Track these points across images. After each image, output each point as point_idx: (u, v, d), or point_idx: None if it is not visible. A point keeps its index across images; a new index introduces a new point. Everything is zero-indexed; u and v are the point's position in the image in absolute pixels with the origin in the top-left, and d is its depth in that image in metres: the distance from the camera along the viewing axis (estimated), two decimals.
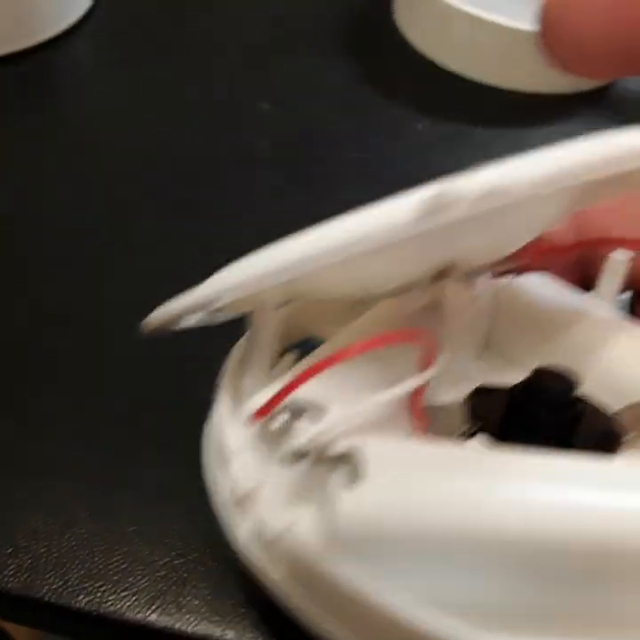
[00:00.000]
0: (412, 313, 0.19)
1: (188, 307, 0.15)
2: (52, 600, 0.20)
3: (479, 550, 0.14)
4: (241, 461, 0.16)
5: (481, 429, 0.17)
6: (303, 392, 0.16)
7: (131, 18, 0.40)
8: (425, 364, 0.17)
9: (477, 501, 0.14)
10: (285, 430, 0.15)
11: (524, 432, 0.17)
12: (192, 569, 0.20)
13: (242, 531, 0.15)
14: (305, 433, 0.15)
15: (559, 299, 0.21)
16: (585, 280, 0.21)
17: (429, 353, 0.16)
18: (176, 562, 0.21)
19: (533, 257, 0.21)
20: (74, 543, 0.21)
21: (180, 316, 0.16)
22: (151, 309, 0.18)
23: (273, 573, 0.15)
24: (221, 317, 0.18)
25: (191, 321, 0.17)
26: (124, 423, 0.23)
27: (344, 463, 0.14)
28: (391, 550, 0.14)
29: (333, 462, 0.15)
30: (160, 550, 0.21)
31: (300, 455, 0.15)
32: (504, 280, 0.21)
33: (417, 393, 0.17)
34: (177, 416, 0.23)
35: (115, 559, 0.21)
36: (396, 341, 0.16)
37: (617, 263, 0.20)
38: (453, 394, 0.19)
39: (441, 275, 0.17)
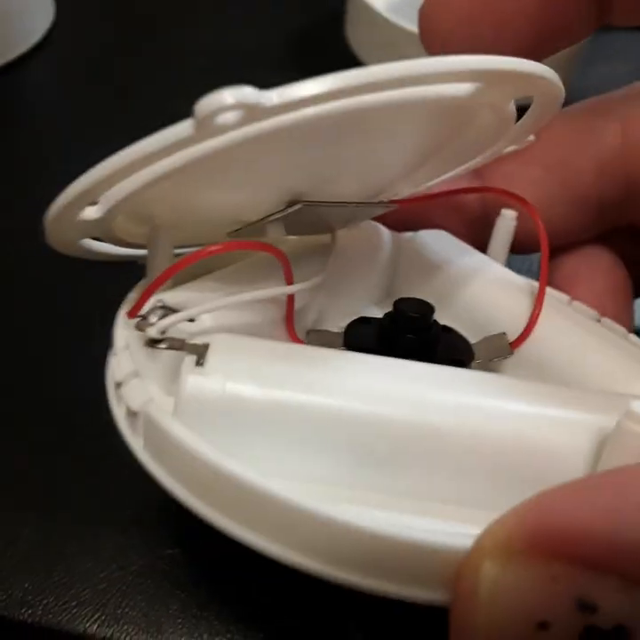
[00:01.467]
0: (302, 252, 0.21)
1: (69, 198, 0.16)
2: None
3: (303, 428, 0.16)
4: (120, 355, 0.17)
5: (355, 349, 0.19)
6: (170, 297, 0.18)
7: (87, 43, 0.41)
8: (287, 281, 0.18)
9: (308, 385, 0.16)
10: (149, 325, 0.17)
11: (390, 352, 0.19)
12: (131, 582, 0.21)
13: (118, 412, 0.17)
14: (160, 325, 0.17)
15: (452, 255, 0.22)
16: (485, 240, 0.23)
17: (288, 270, 0.18)
18: (115, 575, 0.21)
19: (423, 200, 0.22)
20: (16, 558, 0.22)
21: (67, 210, 0.16)
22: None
23: (134, 442, 0.16)
24: (121, 250, 0.20)
25: (92, 242, 0.19)
26: (62, 443, 0.24)
27: (196, 352, 0.16)
28: (228, 424, 0.16)
29: (191, 351, 0.16)
30: (100, 564, 0.22)
31: (153, 342, 0.17)
32: (407, 235, 0.23)
33: (289, 314, 0.19)
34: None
35: (56, 573, 0.21)
36: (247, 248, 0.18)
37: (505, 222, 0.22)
38: (336, 324, 0.21)
39: (292, 205, 0.18)
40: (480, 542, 0.12)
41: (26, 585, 0.21)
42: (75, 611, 0.21)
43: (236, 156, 0.15)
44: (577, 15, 0.20)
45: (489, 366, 0.21)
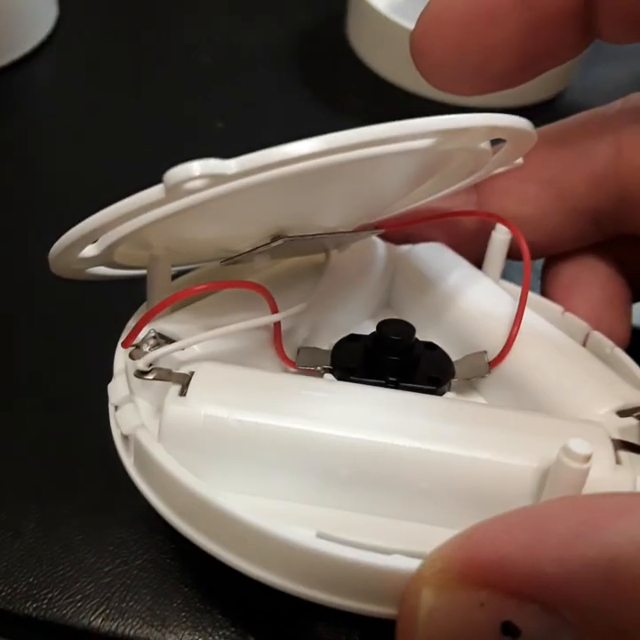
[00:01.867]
0: (296, 273, 0.22)
1: (74, 237, 0.17)
2: (1, 607, 0.21)
3: (273, 451, 0.17)
4: (117, 380, 0.19)
5: (340, 368, 0.21)
6: (163, 325, 0.19)
7: (90, 41, 0.41)
8: (272, 310, 0.20)
9: (279, 412, 0.17)
10: (141, 354, 0.19)
11: (373, 371, 0.20)
12: (135, 576, 0.21)
13: (115, 433, 0.19)
14: (147, 357, 0.18)
15: (446, 270, 0.23)
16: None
17: (272, 302, 0.20)
18: (120, 569, 0.22)
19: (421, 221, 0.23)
20: (22, 552, 0.22)
21: (71, 248, 0.18)
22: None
23: (126, 460, 0.18)
24: (124, 271, 0.21)
25: (95, 267, 0.20)
26: (68, 437, 0.24)
27: (180, 381, 0.18)
28: (206, 447, 0.17)
29: (176, 381, 0.18)
30: (105, 558, 0.22)
31: (141, 373, 0.18)
32: (404, 248, 0.24)
33: (276, 335, 0.20)
34: None
35: (61, 567, 0.22)
36: (233, 287, 0.20)
37: (500, 236, 0.23)
38: (328, 340, 0.22)
39: (276, 239, 0.19)
40: (420, 570, 0.14)
41: (30, 579, 0.21)
42: (79, 604, 0.21)
43: (211, 207, 0.16)
44: (563, 41, 0.20)
45: (467, 384, 0.22)
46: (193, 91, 0.39)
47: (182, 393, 0.17)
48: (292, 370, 0.21)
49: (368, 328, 0.21)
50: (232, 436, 0.17)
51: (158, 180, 0.15)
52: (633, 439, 0.18)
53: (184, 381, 0.18)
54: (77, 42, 0.41)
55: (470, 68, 0.20)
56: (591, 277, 0.24)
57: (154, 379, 0.18)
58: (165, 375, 0.18)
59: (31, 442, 0.24)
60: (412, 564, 0.14)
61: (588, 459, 0.16)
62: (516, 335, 0.21)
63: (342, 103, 0.39)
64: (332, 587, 0.15)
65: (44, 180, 0.33)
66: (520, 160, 0.21)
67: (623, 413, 0.19)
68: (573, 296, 0.23)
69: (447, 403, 0.19)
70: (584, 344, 0.22)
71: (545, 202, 0.23)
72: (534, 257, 0.23)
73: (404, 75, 0.39)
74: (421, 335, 0.21)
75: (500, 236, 0.23)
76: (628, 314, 0.24)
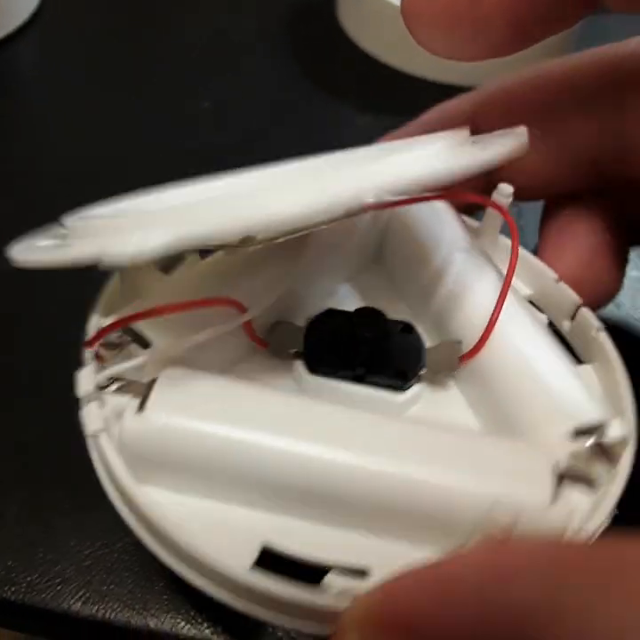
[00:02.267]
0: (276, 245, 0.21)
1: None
2: None
3: (228, 466, 0.17)
4: (85, 370, 0.19)
5: (310, 355, 0.20)
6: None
7: (74, 22, 0.41)
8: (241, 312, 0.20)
9: (237, 423, 0.17)
10: (107, 359, 0.19)
11: (344, 359, 0.20)
12: (116, 559, 0.21)
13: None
14: (106, 373, 0.18)
15: (440, 237, 0.22)
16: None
17: (240, 307, 0.19)
18: (101, 552, 0.21)
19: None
20: (0, 535, 0.21)
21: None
22: None
23: (93, 453, 0.18)
24: None
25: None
26: (50, 420, 0.24)
27: (141, 392, 0.18)
28: (161, 459, 0.17)
29: (137, 393, 0.18)
30: (85, 541, 0.21)
31: (100, 388, 0.18)
32: (399, 208, 0.23)
33: (247, 324, 0.20)
34: None
35: (41, 550, 0.21)
36: (205, 305, 0.19)
37: (500, 199, 0.22)
38: (306, 310, 0.21)
39: (244, 242, 0.19)
40: (347, 612, 0.15)
41: (9, 562, 0.21)
42: (59, 588, 0.21)
43: None
44: (558, 5, 0.20)
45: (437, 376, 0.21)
46: (179, 72, 0.38)
47: (141, 406, 0.17)
48: (263, 350, 0.21)
49: (351, 291, 0.21)
50: (188, 447, 0.17)
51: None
52: (584, 462, 0.18)
53: (145, 393, 0.18)
54: (61, 22, 0.40)
55: (462, 28, 0.20)
56: (585, 227, 0.23)
57: (115, 391, 0.18)
58: (125, 388, 0.18)
59: (31, 441, 0.24)
60: (343, 603, 0.15)
61: (511, 525, 0.16)
62: (489, 334, 0.20)
63: (330, 81, 0.38)
64: (267, 608, 0.16)
65: (45, 178, 0.33)
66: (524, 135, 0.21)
67: (579, 433, 0.18)
68: (565, 245, 0.23)
69: (400, 425, 0.19)
70: (572, 318, 0.21)
71: (546, 145, 0.23)
72: (533, 198, 0.23)
73: (396, 54, 0.39)
74: (404, 303, 0.21)
75: (501, 199, 0.22)
76: (622, 264, 0.24)
